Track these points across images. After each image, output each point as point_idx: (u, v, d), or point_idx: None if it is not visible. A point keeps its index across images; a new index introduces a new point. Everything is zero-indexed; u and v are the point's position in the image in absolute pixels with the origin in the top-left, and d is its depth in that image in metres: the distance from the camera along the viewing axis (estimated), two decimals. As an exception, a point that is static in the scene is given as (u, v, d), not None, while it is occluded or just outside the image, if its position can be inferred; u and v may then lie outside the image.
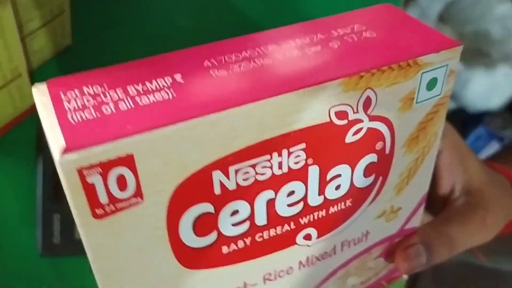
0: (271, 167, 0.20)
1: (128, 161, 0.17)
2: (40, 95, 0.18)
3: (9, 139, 0.36)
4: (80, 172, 0.17)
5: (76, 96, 0.18)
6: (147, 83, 0.18)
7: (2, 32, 0.28)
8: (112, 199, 0.18)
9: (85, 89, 0.18)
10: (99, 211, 0.18)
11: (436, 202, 0.29)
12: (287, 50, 0.20)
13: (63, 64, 0.40)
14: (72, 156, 0.16)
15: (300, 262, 0.24)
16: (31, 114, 0.37)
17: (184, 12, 0.45)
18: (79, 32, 0.41)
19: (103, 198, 0.17)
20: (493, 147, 1.20)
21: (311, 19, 0.26)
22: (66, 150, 0.16)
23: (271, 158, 0.20)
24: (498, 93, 1.23)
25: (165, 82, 0.19)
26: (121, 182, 0.17)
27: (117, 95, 0.18)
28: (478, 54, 1.26)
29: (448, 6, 1.24)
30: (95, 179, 0.17)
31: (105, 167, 0.17)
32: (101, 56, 0.42)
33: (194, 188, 0.19)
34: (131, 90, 0.18)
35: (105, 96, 0.18)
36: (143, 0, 0.45)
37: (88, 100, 0.18)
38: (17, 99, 0.34)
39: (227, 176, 0.19)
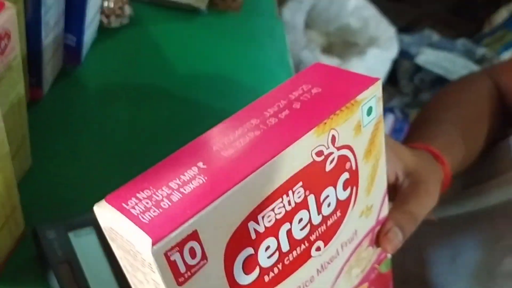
0: (284, 206, 0.26)
1: (194, 236, 0.23)
2: (106, 211, 0.23)
3: (9, 266, 0.39)
4: (165, 254, 0.22)
5: (136, 202, 0.23)
6: (182, 176, 0.24)
7: (3, 175, 0.32)
8: (188, 266, 0.23)
9: (138, 195, 0.24)
10: (180, 279, 0.23)
11: (389, 191, 0.37)
12: (267, 119, 0.27)
13: (30, 184, 0.43)
14: (159, 245, 0.22)
15: (317, 270, 0.31)
16: (23, 238, 0.40)
17: (121, 106, 0.50)
18: (37, 151, 0.44)
19: (182, 268, 0.23)
20: (389, 119, 1.35)
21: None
22: (154, 243, 0.22)
23: (282, 199, 0.26)
24: (375, 73, 1.39)
25: (193, 171, 0.24)
26: (192, 252, 0.23)
27: (165, 192, 0.23)
28: (348, 46, 1.42)
29: (309, 14, 1.38)
30: (175, 256, 0.22)
31: (181, 245, 0.22)
32: (59, 168, 0.45)
33: (238, 239, 0.25)
34: (173, 185, 0.24)
35: (157, 196, 0.23)
36: (82, 100, 0.49)
37: (147, 203, 0.23)
38: (13, 229, 0.38)
39: (257, 222, 0.25)
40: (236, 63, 0.58)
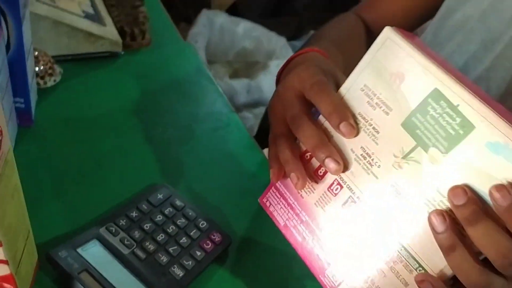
0: None
1: None
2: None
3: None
4: None
5: None
6: None
7: (19, 201, 0.37)
8: None
9: None
10: None
11: None
12: None
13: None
14: None
15: None
16: (39, 269, 0.45)
17: (79, 144, 0.57)
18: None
19: None
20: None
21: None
22: None
23: None
24: (283, 81, 1.52)
25: None
26: None
27: None
28: (252, 66, 1.54)
29: (207, 50, 1.50)
30: None
31: None
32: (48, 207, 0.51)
33: None
34: None
35: None
36: (44, 151, 0.55)
37: None
38: (31, 255, 0.43)
39: None
40: (163, 87, 0.67)
